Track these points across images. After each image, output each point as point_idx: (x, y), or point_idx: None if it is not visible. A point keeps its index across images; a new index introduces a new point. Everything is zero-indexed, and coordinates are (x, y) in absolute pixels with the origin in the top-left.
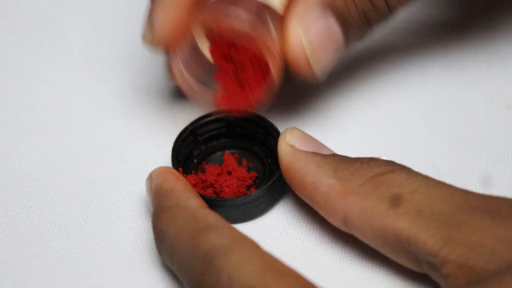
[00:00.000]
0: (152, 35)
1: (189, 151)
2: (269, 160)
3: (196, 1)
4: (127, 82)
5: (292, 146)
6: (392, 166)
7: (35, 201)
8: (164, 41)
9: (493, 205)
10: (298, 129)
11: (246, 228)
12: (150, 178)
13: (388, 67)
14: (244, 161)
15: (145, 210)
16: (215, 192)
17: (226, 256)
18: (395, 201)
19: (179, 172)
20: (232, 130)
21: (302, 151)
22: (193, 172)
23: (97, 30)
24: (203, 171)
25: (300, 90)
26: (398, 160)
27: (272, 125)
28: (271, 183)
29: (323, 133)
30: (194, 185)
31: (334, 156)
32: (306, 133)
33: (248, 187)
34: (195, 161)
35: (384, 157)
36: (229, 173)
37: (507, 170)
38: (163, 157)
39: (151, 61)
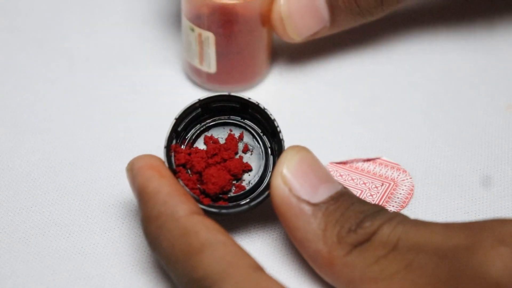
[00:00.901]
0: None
1: (192, 123)
2: (273, 156)
3: None
4: (127, 82)
5: (286, 185)
6: (377, 222)
7: (35, 201)
8: None
9: (474, 241)
10: (297, 155)
11: (247, 230)
12: (131, 171)
13: (389, 66)
14: (245, 146)
15: None
16: (199, 180)
17: (221, 284)
18: (383, 263)
19: (172, 149)
20: (245, 109)
21: (295, 196)
22: (189, 145)
23: (97, 30)
24: (199, 145)
25: (301, 90)
26: (398, 160)
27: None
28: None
29: (323, 133)
30: (182, 164)
31: (327, 205)
32: (305, 159)
33: (237, 180)
34: (195, 133)
35: (384, 157)
36: (224, 160)
37: (507, 170)
38: (163, 157)
39: (151, 61)
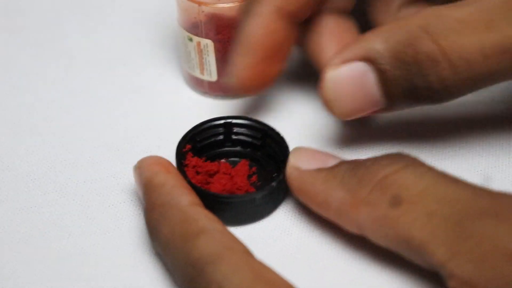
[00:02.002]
0: (233, 85)
1: (210, 141)
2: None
3: (273, 44)
4: (127, 82)
5: (297, 168)
6: (396, 165)
7: (35, 202)
8: (244, 89)
9: (503, 208)
10: (301, 148)
11: (247, 230)
12: (139, 168)
13: None
14: (254, 178)
15: None
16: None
17: (215, 265)
18: (405, 206)
19: (183, 152)
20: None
21: (307, 171)
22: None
23: (97, 30)
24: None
25: (301, 90)
26: None
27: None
28: (275, 185)
29: (323, 133)
30: (192, 167)
31: (340, 165)
32: (309, 149)
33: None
34: (210, 152)
35: None
36: (231, 179)
37: (507, 170)
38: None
39: (151, 61)
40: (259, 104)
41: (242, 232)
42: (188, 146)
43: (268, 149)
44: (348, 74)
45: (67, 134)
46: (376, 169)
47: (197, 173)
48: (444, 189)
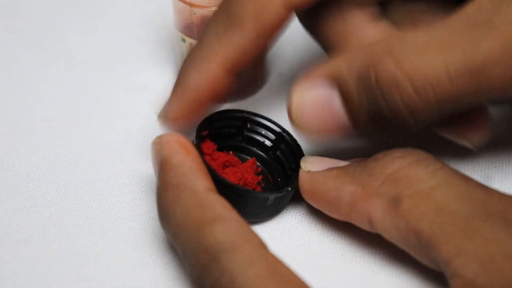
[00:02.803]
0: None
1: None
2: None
3: (211, 93)
4: (127, 82)
5: (308, 172)
6: (409, 158)
7: (35, 202)
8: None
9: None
10: (312, 156)
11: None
12: (158, 144)
13: None
14: (259, 178)
15: (145, 210)
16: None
17: (230, 254)
18: (416, 200)
19: (201, 137)
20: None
21: (318, 172)
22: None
23: (97, 30)
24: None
25: None
26: None
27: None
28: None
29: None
30: (209, 154)
31: (350, 164)
32: (318, 158)
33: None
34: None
35: None
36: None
37: (507, 170)
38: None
39: (151, 61)
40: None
41: None
42: (207, 131)
43: (279, 153)
44: (314, 98)
45: (67, 134)
46: (388, 161)
47: (213, 160)
48: (456, 187)
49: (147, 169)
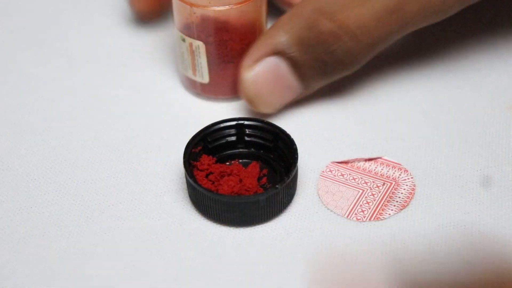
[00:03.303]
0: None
1: (222, 142)
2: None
3: None
4: (127, 82)
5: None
6: None
7: (35, 202)
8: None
9: None
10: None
11: (252, 231)
12: None
13: (389, 67)
14: (264, 179)
15: (145, 210)
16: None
17: None
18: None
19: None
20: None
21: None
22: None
23: (97, 31)
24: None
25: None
26: (398, 160)
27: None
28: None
29: (324, 133)
30: (205, 169)
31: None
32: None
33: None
34: (222, 153)
35: (385, 157)
36: (240, 180)
37: (507, 170)
38: (163, 157)
39: (151, 61)
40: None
41: (248, 234)
42: (199, 147)
43: (280, 151)
44: (263, 70)
45: (67, 134)
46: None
47: (209, 173)
48: None
49: (147, 169)
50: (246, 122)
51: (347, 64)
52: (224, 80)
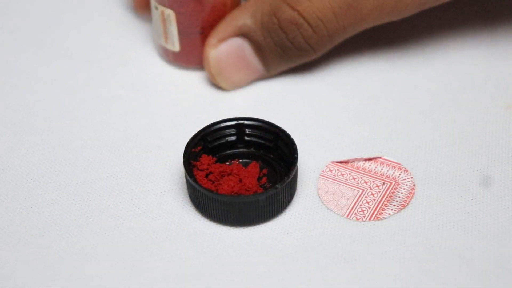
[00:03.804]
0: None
1: (222, 142)
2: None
3: None
4: (127, 82)
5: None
6: None
7: (35, 201)
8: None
9: None
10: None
11: (252, 231)
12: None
13: (388, 67)
14: (264, 179)
15: (145, 211)
16: (212, 181)
17: None
18: None
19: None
20: (276, 145)
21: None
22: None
23: (97, 30)
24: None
25: (301, 90)
26: (398, 160)
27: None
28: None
29: (323, 133)
30: (205, 169)
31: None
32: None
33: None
34: (222, 153)
35: (385, 157)
36: (240, 180)
37: (507, 170)
38: (163, 157)
39: (151, 61)
40: (270, 106)
41: (248, 234)
42: (199, 147)
43: (280, 151)
44: (227, 50)
45: (67, 134)
46: None
47: (209, 173)
48: None
49: (147, 169)
50: (246, 122)
51: (307, 51)
52: (195, 49)
